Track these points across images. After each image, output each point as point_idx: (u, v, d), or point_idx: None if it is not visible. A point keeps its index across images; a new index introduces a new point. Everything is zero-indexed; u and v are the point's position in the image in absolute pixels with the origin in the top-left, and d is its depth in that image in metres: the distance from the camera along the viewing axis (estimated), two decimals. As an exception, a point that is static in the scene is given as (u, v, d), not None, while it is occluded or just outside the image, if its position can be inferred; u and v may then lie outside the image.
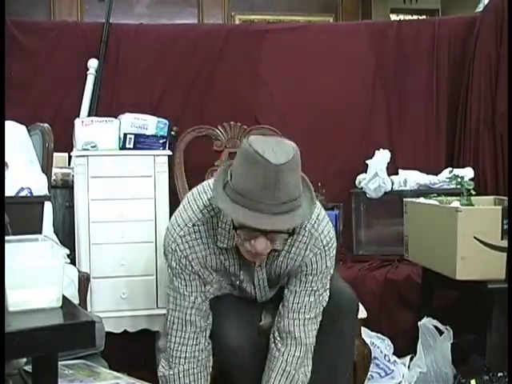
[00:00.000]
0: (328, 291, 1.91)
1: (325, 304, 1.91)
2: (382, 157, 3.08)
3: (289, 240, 1.80)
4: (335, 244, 1.88)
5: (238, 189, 1.59)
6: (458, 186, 2.67)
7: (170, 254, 1.82)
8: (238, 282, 1.92)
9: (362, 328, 2.26)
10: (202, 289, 1.87)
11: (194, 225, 1.78)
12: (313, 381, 1.93)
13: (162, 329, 2.47)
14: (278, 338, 1.90)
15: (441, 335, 2.46)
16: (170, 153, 2.59)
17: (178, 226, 1.80)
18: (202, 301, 1.87)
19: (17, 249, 1.35)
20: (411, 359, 2.56)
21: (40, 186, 1.95)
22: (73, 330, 1.26)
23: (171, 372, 1.88)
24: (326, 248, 1.84)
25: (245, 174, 1.58)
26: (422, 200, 2.63)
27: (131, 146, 2.51)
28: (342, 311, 1.93)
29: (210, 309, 1.91)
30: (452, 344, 2.44)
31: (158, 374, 1.94)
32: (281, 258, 1.85)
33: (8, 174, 1.87)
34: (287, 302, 1.88)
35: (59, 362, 1.41)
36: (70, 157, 2.76)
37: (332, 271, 1.91)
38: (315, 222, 1.82)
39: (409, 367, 2.55)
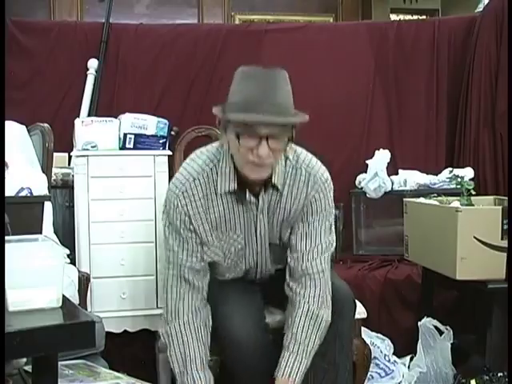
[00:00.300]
0: (334, 233, 1.95)
1: (334, 244, 1.95)
2: (382, 157, 3.09)
3: (288, 180, 1.87)
4: (332, 184, 1.93)
5: (238, 101, 1.68)
6: (458, 186, 2.67)
7: (171, 210, 1.86)
8: (239, 239, 1.92)
9: (362, 328, 2.26)
10: (198, 249, 1.88)
11: (194, 179, 1.84)
12: (314, 380, 1.94)
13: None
14: (296, 284, 1.90)
15: (441, 335, 2.46)
16: (169, 153, 2.59)
17: (180, 182, 1.85)
18: (197, 261, 1.88)
19: (17, 249, 1.35)
20: (411, 359, 2.56)
21: (40, 186, 1.95)
22: (73, 330, 1.26)
23: (171, 325, 1.88)
24: (326, 185, 1.90)
25: (243, 86, 1.70)
26: (422, 200, 2.63)
27: (131, 146, 2.51)
28: (340, 309, 1.94)
29: (215, 303, 1.92)
30: (452, 344, 2.44)
31: (160, 335, 1.95)
32: (284, 200, 1.89)
33: (8, 174, 1.87)
34: (299, 247, 1.90)
35: (59, 362, 1.41)
36: (69, 157, 2.76)
37: (333, 210, 1.95)
38: (309, 162, 1.90)
39: (409, 367, 2.56)
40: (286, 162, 1.86)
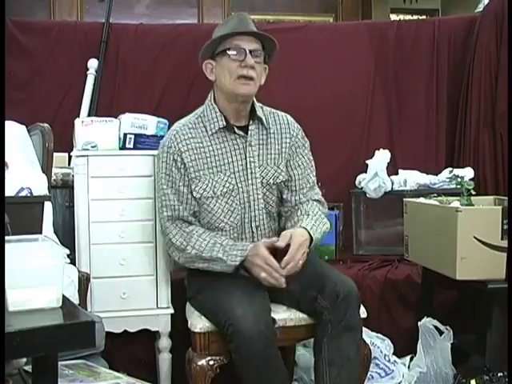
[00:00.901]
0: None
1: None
2: (382, 157, 3.08)
3: (270, 120, 2.20)
4: None
5: (224, 30, 2.10)
6: (458, 186, 2.67)
7: (164, 153, 2.14)
8: (229, 179, 2.12)
9: (362, 328, 2.26)
10: (186, 190, 2.11)
11: (183, 125, 2.17)
12: (330, 375, 1.95)
13: (162, 328, 2.48)
14: (303, 205, 2.18)
15: (441, 335, 2.46)
16: (170, 153, 2.59)
17: (173, 130, 2.19)
18: (186, 202, 2.11)
19: (17, 249, 1.35)
20: (411, 359, 2.56)
21: (40, 186, 1.94)
22: (73, 330, 1.26)
23: (185, 253, 2.09)
24: (301, 127, 2.29)
25: (225, 25, 2.13)
26: (422, 200, 2.63)
27: (131, 146, 2.51)
28: (348, 303, 1.97)
29: (224, 298, 1.98)
30: (452, 344, 2.44)
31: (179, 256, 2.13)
32: (272, 135, 2.19)
33: (8, 174, 1.86)
34: (307, 178, 2.22)
35: (59, 362, 1.41)
36: (69, 157, 2.76)
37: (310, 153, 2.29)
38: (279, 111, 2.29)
39: (409, 367, 2.55)
40: (262, 108, 2.22)
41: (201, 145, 2.13)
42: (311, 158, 2.28)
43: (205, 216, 2.15)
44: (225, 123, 2.13)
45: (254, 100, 2.19)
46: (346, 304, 1.96)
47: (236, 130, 2.15)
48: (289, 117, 2.27)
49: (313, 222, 2.09)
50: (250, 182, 2.15)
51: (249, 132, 2.17)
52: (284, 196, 2.21)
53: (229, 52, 2.07)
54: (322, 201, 2.24)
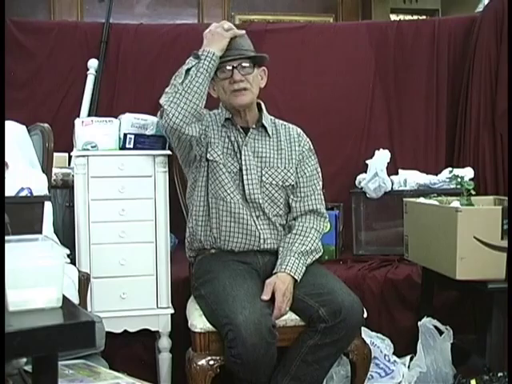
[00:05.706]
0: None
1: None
2: (381, 157, 3.08)
3: (281, 130, 2.35)
4: None
5: None
6: (458, 186, 2.67)
7: None
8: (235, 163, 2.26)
9: (362, 328, 2.26)
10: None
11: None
12: (300, 365, 2.03)
13: (162, 328, 2.48)
14: (305, 217, 2.29)
15: (441, 335, 2.46)
16: (169, 153, 2.59)
17: None
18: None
19: (17, 249, 1.35)
20: (411, 359, 2.56)
21: (40, 186, 1.95)
22: (73, 330, 1.26)
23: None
24: (301, 128, 2.43)
25: None
26: (421, 200, 2.63)
27: (131, 146, 2.51)
28: (350, 335, 2.06)
29: (226, 300, 2.00)
30: (452, 344, 2.44)
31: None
32: (273, 142, 2.31)
33: (8, 174, 1.87)
34: (303, 190, 2.30)
35: (59, 362, 1.41)
36: (70, 157, 2.76)
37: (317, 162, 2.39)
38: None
39: (409, 367, 2.55)
40: (275, 121, 2.37)
41: (216, 126, 2.30)
42: (319, 170, 2.38)
43: (212, 182, 2.25)
44: (229, 116, 2.29)
45: (264, 110, 2.34)
46: (346, 321, 2.01)
47: (238, 127, 2.29)
48: (300, 130, 2.41)
49: (295, 259, 2.15)
50: (245, 179, 2.24)
51: (248, 133, 2.28)
52: (290, 202, 2.30)
53: (218, 74, 2.26)
54: (321, 212, 2.32)
